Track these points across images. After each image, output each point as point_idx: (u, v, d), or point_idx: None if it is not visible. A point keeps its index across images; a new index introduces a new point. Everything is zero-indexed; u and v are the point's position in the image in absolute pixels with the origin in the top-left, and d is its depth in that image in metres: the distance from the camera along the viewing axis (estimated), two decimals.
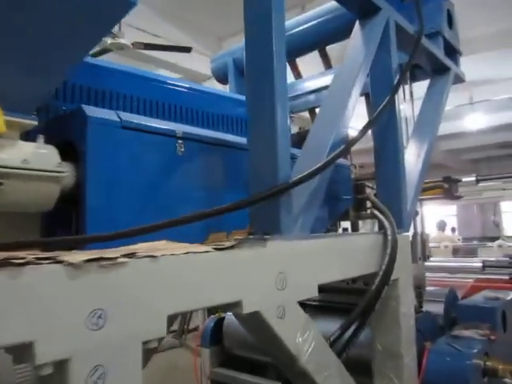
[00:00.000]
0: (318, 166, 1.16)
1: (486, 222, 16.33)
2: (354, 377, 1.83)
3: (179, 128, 1.45)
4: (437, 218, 16.06)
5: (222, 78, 3.41)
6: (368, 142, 2.29)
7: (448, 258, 4.93)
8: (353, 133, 1.91)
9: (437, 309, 2.76)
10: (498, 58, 8.91)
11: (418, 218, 2.54)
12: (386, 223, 1.51)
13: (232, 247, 0.96)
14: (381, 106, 1.51)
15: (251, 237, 1.05)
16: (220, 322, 2.98)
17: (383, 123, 1.78)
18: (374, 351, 1.60)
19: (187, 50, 5.42)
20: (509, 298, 2.93)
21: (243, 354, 2.82)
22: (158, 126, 1.41)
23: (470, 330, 2.47)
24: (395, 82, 1.69)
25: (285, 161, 1.14)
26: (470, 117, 11.82)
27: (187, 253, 0.83)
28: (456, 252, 6.02)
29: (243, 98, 1.91)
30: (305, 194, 1.19)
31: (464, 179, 4.11)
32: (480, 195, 4.28)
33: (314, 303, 2.67)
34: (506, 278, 4.73)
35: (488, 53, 8.37)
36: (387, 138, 1.78)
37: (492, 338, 2.37)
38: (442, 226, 9.01)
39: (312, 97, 3.16)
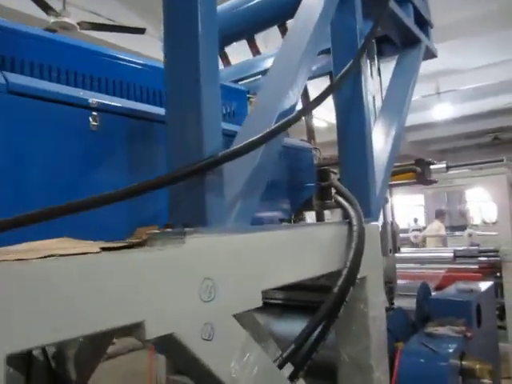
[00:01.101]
0: (257, 136, 0.88)
1: (452, 211, 16.54)
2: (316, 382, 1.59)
3: (94, 97, 1.15)
4: (405, 207, 16.16)
5: None
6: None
7: (419, 249, 4.79)
8: (320, 123, 1.67)
9: (408, 304, 2.57)
10: (463, 47, 8.88)
11: (388, 207, 2.32)
12: (352, 211, 1.26)
13: (135, 245, 0.68)
14: (343, 71, 1.25)
15: (169, 230, 0.77)
16: None
17: (347, 97, 1.53)
18: (340, 363, 1.35)
19: (140, 31, 5.02)
20: (482, 290, 2.77)
21: None
22: (63, 92, 1.11)
23: (444, 327, 2.28)
24: (360, 46, 1.44)
25: (213, 134, 0.86)
26: (437, 107, 11.82)
27: (47, 256, 0.54)
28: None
29: None
30: (243, 175, 0.92)
31: (434, 167, 3.95)
32: (450, 183, 4.13)
33: (275, 301, 2.44)
34: (476, 267, 4.64)
35: (454, 41, 8.30)
36: (352, 115, 1.53)
37: (468, 335, 2.18)
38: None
39: None
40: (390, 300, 2.27)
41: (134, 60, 1.39)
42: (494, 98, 11.31)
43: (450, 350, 2.03)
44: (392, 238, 2.25)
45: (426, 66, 8.13)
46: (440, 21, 7.52)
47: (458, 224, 11.42)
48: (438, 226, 7.66)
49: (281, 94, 1.07)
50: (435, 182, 1.97)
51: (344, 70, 1.24)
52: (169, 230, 0.78)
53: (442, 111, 11.96)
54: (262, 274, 0.88)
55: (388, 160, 1.58)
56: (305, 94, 2.58)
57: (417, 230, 6.11)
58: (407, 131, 15.38)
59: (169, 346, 0.71)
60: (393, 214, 2.33)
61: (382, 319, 1.38)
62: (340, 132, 1.52)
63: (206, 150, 0.82)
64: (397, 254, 4.68)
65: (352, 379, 1.32)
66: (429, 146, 17.19)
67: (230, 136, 1.69)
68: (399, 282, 3.10)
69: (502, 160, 3.79)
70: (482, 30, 8.09)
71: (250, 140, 0.87)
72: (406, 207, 17.12)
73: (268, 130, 0.90)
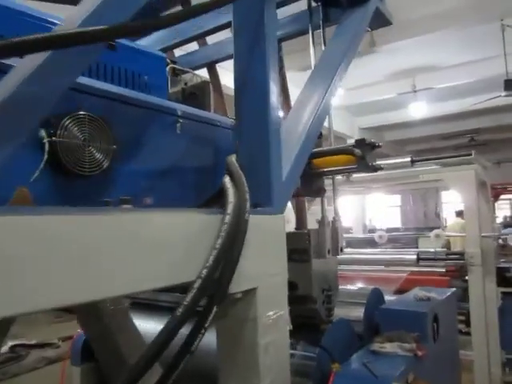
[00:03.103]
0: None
1: (428, 212, 16.47)
2: None
3: None
4: (376, 208, 15.99)
5: None
6: None
7: (382, 250, 4.47)
8: None
9: (360, 313, 2.23)
10: (439, 43, 8.62)
11: (328, 200, 1.96)
12: (231, 196, 0.88)
13: None
14: None
15: None
16: None
17: (246, 48, 1.16)
18: None
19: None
20: (442, 298, 2.43)
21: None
22: None
23: (393, 343, 1.94)
24: None
25: None
26: (413, 105, 11.58)
27: None
28: None
29: None
30: None
31: (397, 160, 3.62)
32: (416, 179, 3.81)
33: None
34: (443, 270, 4.35)
35: (429, 36, 8.03)
36: (250, 73, 1.16)
37: (419, 353, 1.84)
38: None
39: (211, 49, 2.50)
40: (329, 311, 1.91)
41: None
42: (471, 97, 11.12)
43: (396, 374, 1.69)
44: (333, 238, 1.88)
45: (403, 62, 7.75)
46: (416, 13, 7.27)
47: (434, 225, 11.28)
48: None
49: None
50: (380, 169, 1.61)
51: None
52: None
53: (419, 110, 11.73)
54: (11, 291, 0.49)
55: (306, 135, 1.20)
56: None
57: (380, 229, 5.77)
58: (384, 130, 15.21)
59: None
60: (336, 209, 1.96)
61: (281, 348, 1.00)
62: (237, 96, 1.15)
63: None
64: (356, 256, 4.37)
65: None
66: (406, 146, 17.05)
67: (137, 106, 1.33)
68: (350, 287, 2.76)
69: (470, 154, 3.47)
70: (458, 25, 7.82)
71: None
72: (385, 208, 17.02)
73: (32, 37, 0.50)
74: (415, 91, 10.75)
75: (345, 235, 6.19)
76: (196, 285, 0.75)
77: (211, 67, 2.53)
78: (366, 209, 13.77)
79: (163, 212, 0.77)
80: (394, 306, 2.27)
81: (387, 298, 2.52)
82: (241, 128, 1.13)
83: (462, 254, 3.90)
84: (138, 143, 1.30)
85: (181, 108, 1.50)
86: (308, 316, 1.87)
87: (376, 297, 2.35)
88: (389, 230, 8.43)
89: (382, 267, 4.36)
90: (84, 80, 1.20)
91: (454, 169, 3.66)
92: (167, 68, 2.11)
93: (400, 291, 3.16)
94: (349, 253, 4.27)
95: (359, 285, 3.27)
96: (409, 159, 3.67)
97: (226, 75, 3.38)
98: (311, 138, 1.23)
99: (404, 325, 2.04)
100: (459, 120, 13.58)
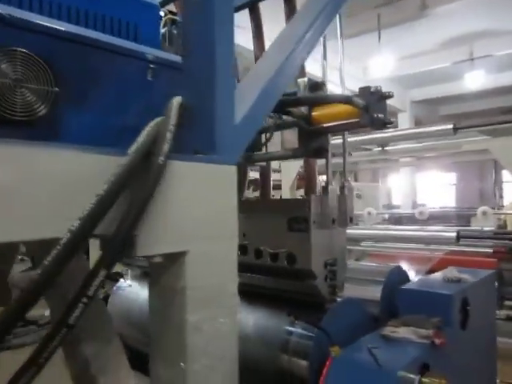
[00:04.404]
0: None
1: (484, 191, 15.49)
2: None
3: None
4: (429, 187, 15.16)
5: None
6: None
7: (420, 227, 4.13)
8: None
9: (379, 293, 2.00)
10: (500, 4, 7.82)
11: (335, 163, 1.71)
12: (142, 134, 0.70)
13: None
14: None
15: None
16: None
17: None
18: None
19: None
20: (475, 279, 2.13)
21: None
22: None
23: (407, 328, 1.71)
24: None
25: None
26: (470, 75, 10.70)
27: None
28: None
29: None
30: None
31: (438, 127, 3.27)
32: (458, 149, 3.43)
33: None
34: (489, 251, 3.96)
35: None
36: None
37: (437, 341, 1.60)
38: None
39: None
40: (333, 288, 1.69)
41: None
42: None
43: (404, 362, 1.46)
44: (340, 207, 1.65)
45: (459, 27, 7.06)
46: None
47: (492, 205, 10.58)
48: None
49: None
50: (390, 123, 1.35)
51: None
52: None
53: (476, 80, 10.84)
54: None
55: (275, 74, 0.96)
56: None
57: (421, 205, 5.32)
58: (439, 103, 14.30)
59: None
60: (345, 175, 1.72)
61: (223, 328, 0.81)
62: (184, 24, 0.95)
63: None
64: (388, 232, 4.06)
65: None
66: (462, 121, 16.03)
67: (122, 55, 1.18)
68: (370, 264, 2.53)
69: None
70: None
71: None
72: (440, 187, 16.20)
73: None
74: (472, 59, 9.93)
75: (383, 211, 5.88)
76: (63, 240, 0.57)
77: None
78: (417, 187, 13.10)
79: (36, 146, 0.59)
80: (416, 286, 2.01)
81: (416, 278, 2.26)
82: (187, 62, 0.93)
83: None
84: (93, 88, 1.13)
85: (153, 53, 1.32)
86: (308, 293, 1.67)
87: (397, 276, 2.10)
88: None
89: (422, 246, 4.04)
90: (19, 13, 1.04)
91: (503, 138, 3.25)
92: (164, 19, 1.94)
93: (432, 272, 2.87)
94: (380, 229, 3.98)
95: (388, 264, 3.00)
96: (451, 126, 3.31)
97: (238, 33, 3.16)
98: (283, 78, 1.01)
99: (426, 308, 1.79)
100: None
